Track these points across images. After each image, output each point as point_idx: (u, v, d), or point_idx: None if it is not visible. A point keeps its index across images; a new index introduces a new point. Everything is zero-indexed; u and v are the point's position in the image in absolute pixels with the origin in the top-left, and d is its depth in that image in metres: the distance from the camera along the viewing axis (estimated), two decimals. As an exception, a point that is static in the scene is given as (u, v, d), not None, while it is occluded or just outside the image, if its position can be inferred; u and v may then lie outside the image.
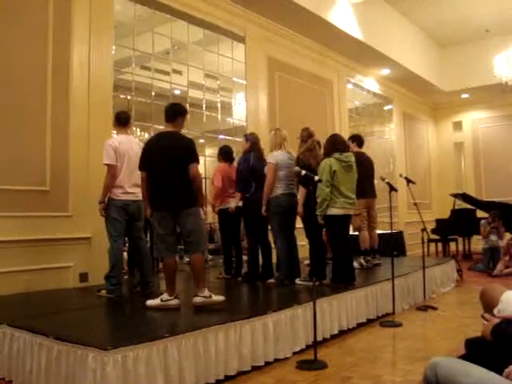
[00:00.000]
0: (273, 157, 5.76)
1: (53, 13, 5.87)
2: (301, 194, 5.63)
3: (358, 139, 7.47)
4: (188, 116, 7.77)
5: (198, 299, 4.32)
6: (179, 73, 8.06)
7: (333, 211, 5.48)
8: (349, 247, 5.74)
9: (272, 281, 5.83)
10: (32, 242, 5.46)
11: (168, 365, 3.27)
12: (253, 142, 6.12)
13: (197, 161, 4.42)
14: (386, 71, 12.15)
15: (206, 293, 4.30)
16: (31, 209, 5.50)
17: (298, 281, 5.69)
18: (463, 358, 2.25)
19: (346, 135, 10.88)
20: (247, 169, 5.96)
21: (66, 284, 5.70)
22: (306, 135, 5.89)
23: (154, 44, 7.35)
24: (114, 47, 6.58)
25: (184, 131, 7.74)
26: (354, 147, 7.17)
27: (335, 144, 5.71)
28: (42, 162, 5.67)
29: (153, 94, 7.36)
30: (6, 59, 5.45)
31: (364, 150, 7.56)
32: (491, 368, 1.97)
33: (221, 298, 4.36)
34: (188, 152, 4.40)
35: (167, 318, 4.34)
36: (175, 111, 4.59)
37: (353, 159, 5.75)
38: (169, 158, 4.35)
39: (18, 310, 4.56)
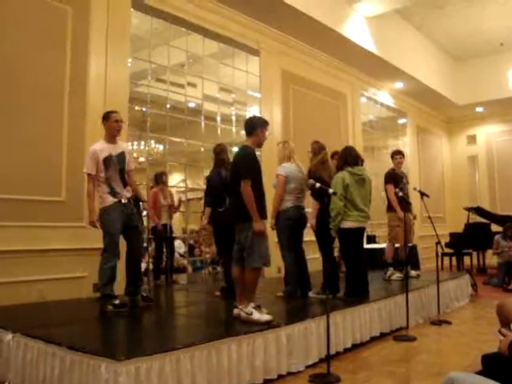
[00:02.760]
0: (283, 169, 5.75)
1: (71, 26, 5.97)
2: (313, 207, 5.61)
3: None
4: (202, 128, 7.94)
5: (235, 311, 4.36)
6: (194, 86, 8.11)
7: (347, 224, 5.49)
8: (363, 260, 5.70)
9: (280, 294, 5.81)
10: (47, 252, 5.51)
11: (181, 376, 3.26)
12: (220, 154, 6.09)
13: (244, 177, 4.31)
14: (399, 85, 12.15)
15: (248, 309, 4.24)
16: (46, 219, 5.56)
17: (311, 294, 5.66)
18: (480, 374, 2.22)
19: (359, 149, 10.91)
20: (220, 182, 5.88)
21: (79, 294, 5.72)
22: (318, 148, 5.87)
23: (170, 57, 7.42)
24: (130, 60, 6.65)
25: (198, 143, 7.93)
26: None
27: (346, 158, 5.74)
28: (58, 173, 5.73)
29: (168, 106, 7.41)
30: (25, 71, 5.54)
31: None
32: (508, 384, 1.95)
33: (265, 317, 4.20)
34: (238, 167, 4.45)
35: (181, 330, 4.35)
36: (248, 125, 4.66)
37: (366, 173, 5.76)
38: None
39: (32, 319, 4.57)
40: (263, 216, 4.41)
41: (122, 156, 5.06)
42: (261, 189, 4.47)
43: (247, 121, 4.74)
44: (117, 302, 4.85)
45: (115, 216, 4.90)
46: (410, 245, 7.52)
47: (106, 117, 5.07)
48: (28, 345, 3.72)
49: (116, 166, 4.97)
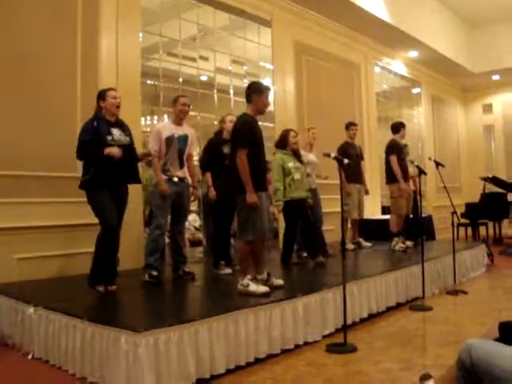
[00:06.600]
0: None
1: (81, 1, 5.91)
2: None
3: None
4: (216, 101, 7.90)
5: (238, 286, 4.35)
6: (206, 59, 8.04)
7: None
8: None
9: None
10: (66, 228, 5.58)
11: (199, 347, 3.32)
12: None
13: (240, 145, 4.28)
14: (413, 53, 11.92)
15: (244, 281, 4.24)
16: (66, 195, 5.58)
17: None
18: (497, 340, 2.23)
19: (373, 119, 10.87)
20: None
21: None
22: None
23: (181, 30, 7.35)
24: (141, 34, 6.60)
25: (211, 116, 7.90)
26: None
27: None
28: (74, 148, 5.73)
29: (180, 80, 7.38)
30: (36, 47, 5.51)
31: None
32: (526, 351, 1.95)
33: (261, 289, 4.18)
34: (234, 136, 4.42)
35: (199, 301, 4.40)
36: (246, 92, 4.54)
37: None
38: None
39: (54, 293, 4.65)
40: (260, 188, 4.30)
41: (184, 138, 5.21)
42: (259, 159, 4.36)
43: (246, 88, 4.56)
44: (154, 273, 5.01)
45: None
46: (410, 215, 7.58)
47: (175, 100, 5.26)
48: (50, 318, 3.80)
49: (176, 146, 5.13)
